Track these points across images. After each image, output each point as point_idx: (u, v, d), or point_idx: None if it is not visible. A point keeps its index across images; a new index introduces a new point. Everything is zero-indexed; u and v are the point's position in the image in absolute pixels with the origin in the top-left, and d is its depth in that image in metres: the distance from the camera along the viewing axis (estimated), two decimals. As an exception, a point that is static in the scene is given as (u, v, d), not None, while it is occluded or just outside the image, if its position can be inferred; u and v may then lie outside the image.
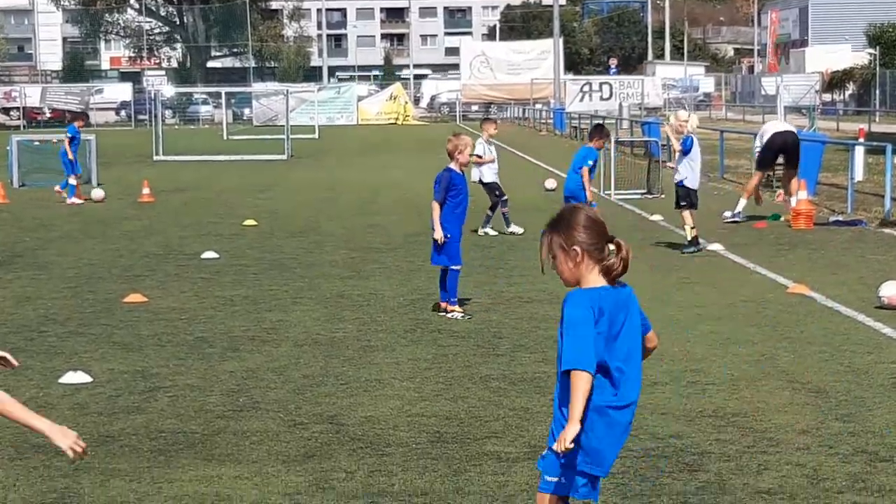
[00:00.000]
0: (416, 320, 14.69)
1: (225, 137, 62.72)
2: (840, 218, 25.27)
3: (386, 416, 10.24)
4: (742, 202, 25.40)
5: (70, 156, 31.15)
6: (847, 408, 10.42)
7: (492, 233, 23.78)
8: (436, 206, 14.88)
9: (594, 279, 6.03)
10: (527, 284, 17.49)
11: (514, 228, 24.02)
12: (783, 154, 26.21)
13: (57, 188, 31.44)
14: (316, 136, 66.79)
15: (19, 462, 8.92)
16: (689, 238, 20.57)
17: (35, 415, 5.75)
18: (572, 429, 5.76)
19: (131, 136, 72.12)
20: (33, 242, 22.79)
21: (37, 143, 38.92)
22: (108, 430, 9.83)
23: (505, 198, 24.38)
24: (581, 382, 5.79)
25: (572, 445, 5.77)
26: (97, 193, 31.40)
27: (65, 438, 5.70)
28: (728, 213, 25.44)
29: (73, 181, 31.12)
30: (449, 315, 14.88)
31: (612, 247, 6.03)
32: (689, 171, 20.74)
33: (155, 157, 48.88)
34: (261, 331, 14.00)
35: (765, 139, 26.15)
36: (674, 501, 7.96)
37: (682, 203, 20.76)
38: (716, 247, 21.12)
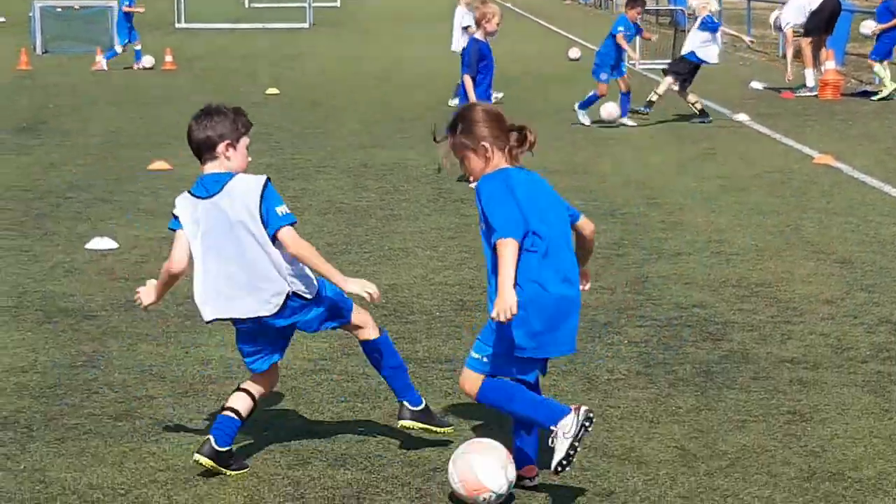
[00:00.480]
0: (440, 189, 14.67)
1: (247, 5, 62.21)
2: (868, 88, 25.00)
3: (410, 283, 10.27)
4: (809, 74, 24.85)
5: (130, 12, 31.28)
6: (872, 278, 10.41)
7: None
8: (468, 80, 14.69)
9: (502, 165, 6.05)
10: (553, 155, 17.41)
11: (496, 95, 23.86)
12: (830, 20, 25.50)
13: (136, 65, 31.26)
14: (337, 4, 66.19)
15: (48, 326, 9.00)
16: (650, 99, 20.39)
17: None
18: (508, 296, 5.65)
19: (153, 2, 71.60)
20: (57, 109, 22.76)
21: (59, 9, 38.64)
22: (134, 296, 9.85)
23: None
24: (506, 250, 5.71)
25: (513, 312, 5.63)
26: (148, 60, 31.22)
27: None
28: (802, 90, 24.85)
29: (118, 49, 31.13)
30: (471, 184, 14.85)
31: (515, 135, 6.06)
32: (699, 45, 20.57)
33: (177, 25, 48.55)
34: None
35: (814, 6, 25.36)
36: (697, 370, 7.99)
37: (668, 70, 20.73)
38: (741, 117, 20.97)
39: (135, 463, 6.46)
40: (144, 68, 30.85)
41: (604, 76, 20.17)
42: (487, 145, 5.96)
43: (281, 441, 6.77)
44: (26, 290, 10.02)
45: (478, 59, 14.67)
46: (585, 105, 20.33)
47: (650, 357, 8.28)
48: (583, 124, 20.07)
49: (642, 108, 20.22)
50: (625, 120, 20.14)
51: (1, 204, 13.61)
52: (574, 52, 33.29)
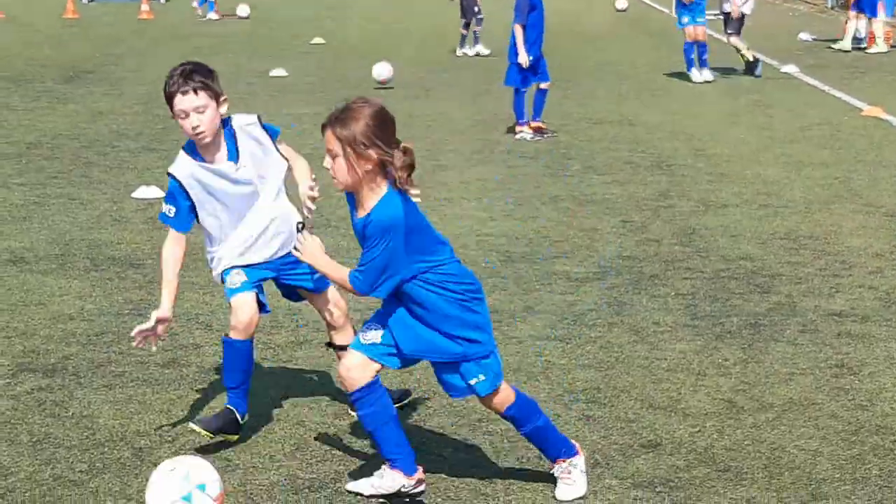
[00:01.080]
0: (485, 141, 14.63)
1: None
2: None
3: (456, 235, 10.24)
4: (861, 25, 24.56)
5: None
6: (921, 232, 10.32)
7: (471, 53, 23.57)
8: (519, 29, 14.59)
9: (383, 188, 5.19)
10: (597, 105, 17.34)
11: (479, 49, 23.75)
12: None
13: (194, 4, 31.25)
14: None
15: (95, 274, 9.03)
16: (749, 59, 20.22)
17: None
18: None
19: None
20: (104, 58, 22.81)
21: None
22: (180, 245, 9.89)
23: (481, 16, 23.97)
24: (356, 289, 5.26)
25: None
26: (243, 10, 31.19)
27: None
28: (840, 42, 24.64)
29: None
30: (517, 135, 14.81)
31: (401, 156, 5.16)
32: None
33: (222, -26, 48.55)
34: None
35: None
36: (744, 322, 7.94)
37: (729, 31, 20.50)
38: (790, 68, 20.79)
39: (182, 410, 6.49)
40: (240, 17, 30.77)
41: (685, 19, 19.74)
42: (374, 154, 5.10)
43: (327, 391, 6.78)
44: (73, 238, 10.06)
45: (528, 9, 14.55)
46: (691, 65, 19.87)
47: (697, 309, 8.23)
48: (707, 81, 19.65)
49: (756, 74, 20.01)
50: (706, 75, 19.75)
51: (48, 152, 13.67)
52: (621, 3, 33.05)
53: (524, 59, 14.49)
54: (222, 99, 5.99)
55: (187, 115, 5.88)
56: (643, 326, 7.88)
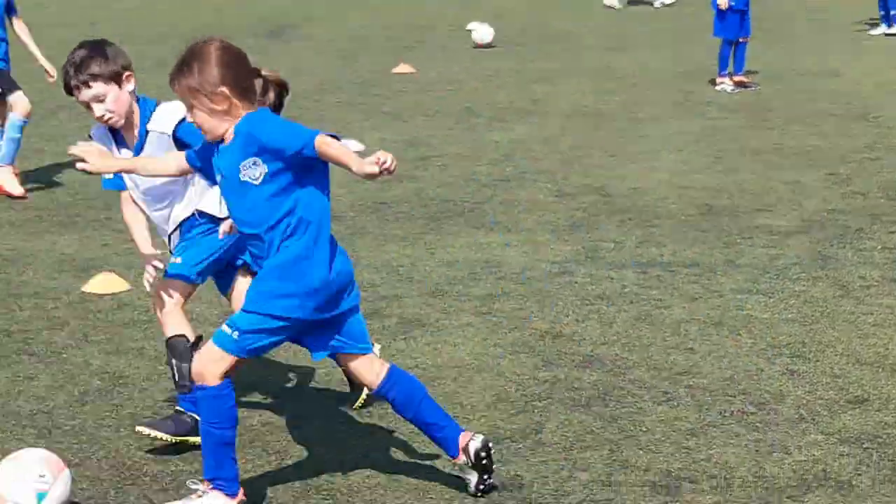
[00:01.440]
0: (685, 92, 14.44)
1: None
2: None
3: (654, 187, 10.16)
4: None
5: None
6: None
7: (657, 4, 23.25)
8: None
9: None
10: (800, 56, 16.97)
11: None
12: None
13: None
14: None
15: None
16: None
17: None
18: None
19: None
20: (301, 13, 23.12)
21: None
22: (381, 197, 10.02)
23: None
24: (333, 141, 4.79)
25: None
26: None
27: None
28: None
29: None
30: (717, 87, 14.59)
31: (260, 81, 4.95)
32: None
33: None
34: (527, 102, 13.98)
35: None
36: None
37: None
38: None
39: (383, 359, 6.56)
40: None
41: None
42: (227, 91, 4.71)
43: (527, 342, 6.78)
44: (277, 190, 10.24)
45: None
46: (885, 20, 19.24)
47: (907, 262, 8.02)
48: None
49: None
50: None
51: (252, 107, 13.92)
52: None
53: (724, 1, 14.27)
54: (125, 76, 5.51)
55: (90, 107, 5.54)
56: (848, 281, 7.70)
